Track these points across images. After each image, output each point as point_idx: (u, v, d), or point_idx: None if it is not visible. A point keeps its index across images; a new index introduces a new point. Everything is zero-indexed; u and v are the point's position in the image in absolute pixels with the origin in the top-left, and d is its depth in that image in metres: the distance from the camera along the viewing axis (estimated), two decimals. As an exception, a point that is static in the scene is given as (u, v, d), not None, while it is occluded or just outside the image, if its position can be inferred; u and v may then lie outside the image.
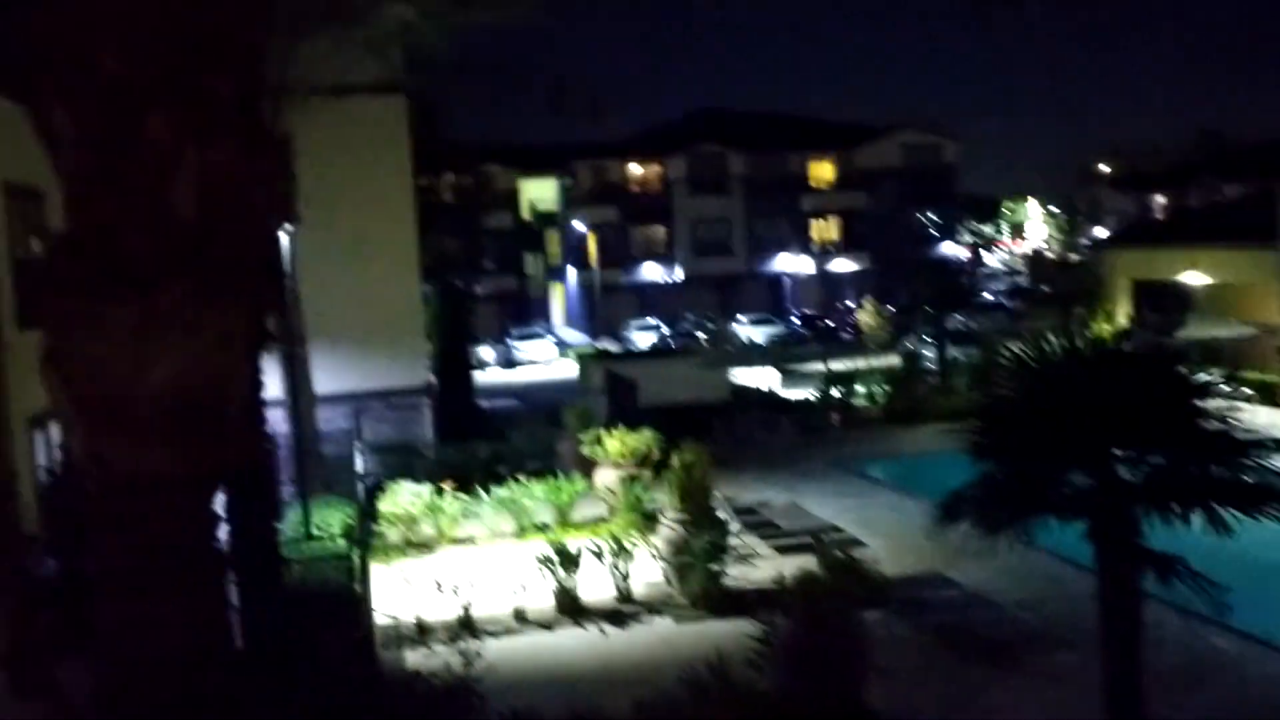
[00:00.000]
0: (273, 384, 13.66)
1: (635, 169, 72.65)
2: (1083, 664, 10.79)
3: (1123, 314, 31.25)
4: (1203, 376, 8.96)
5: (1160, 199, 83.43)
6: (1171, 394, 8.68)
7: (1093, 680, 8.58)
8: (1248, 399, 22.48)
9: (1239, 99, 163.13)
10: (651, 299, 68.82)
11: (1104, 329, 27.39)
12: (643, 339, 57.17)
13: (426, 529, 18.68)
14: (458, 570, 15.81)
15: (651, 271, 71.48)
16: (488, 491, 19.45)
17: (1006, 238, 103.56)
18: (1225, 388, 8.64)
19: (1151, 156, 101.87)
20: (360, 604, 13.10)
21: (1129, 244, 35.34)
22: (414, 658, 12.52)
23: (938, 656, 12.68)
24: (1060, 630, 12.85)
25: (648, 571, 15.72)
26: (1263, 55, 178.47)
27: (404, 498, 18.81)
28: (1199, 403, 8.61)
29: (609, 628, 14.43)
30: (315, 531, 16.00)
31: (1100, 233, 70.78)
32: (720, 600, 14.82)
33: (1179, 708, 10.10)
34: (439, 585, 14.57)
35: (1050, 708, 11.06)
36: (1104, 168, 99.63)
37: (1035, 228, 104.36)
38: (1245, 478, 8.21)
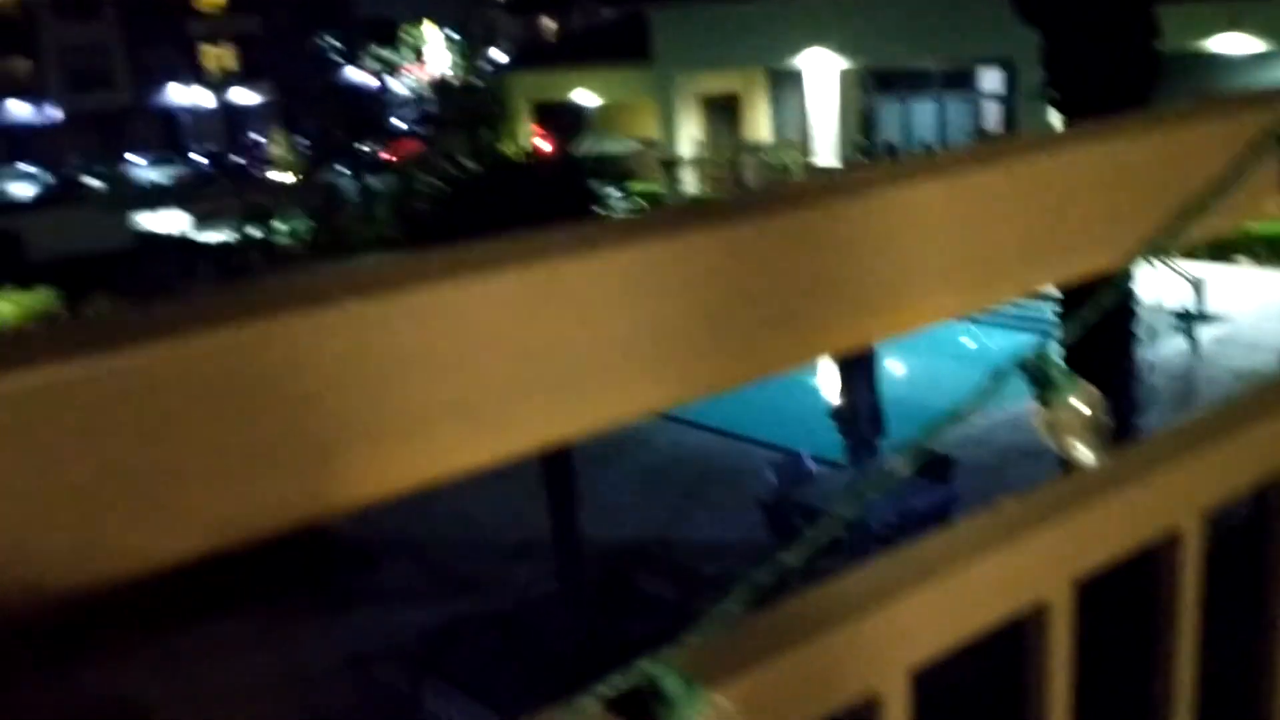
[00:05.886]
0: None
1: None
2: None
3: (525, 134, 32.93)
4: (603, 187, 9.85)
5: (548, 22, 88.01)
6: (578, 203, 9.46)
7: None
8: (639, 207, 24.98)
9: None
10: (25, 143, 60.82)
11: (512, 149, 28.73)
12: (21, 189, 50.74)
13: None
14: None
15: (20, 111, 63.13)
16: None
17: (410, 63, 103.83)
18: (620, 198, 9.57)
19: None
20: None
21: (525, 67, 36.98)
22: None
23: None
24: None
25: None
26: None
27: None
28: (600, 210, 9.50)
29: None
30: None
31: (498, 56, 73.34)
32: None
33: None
34: None
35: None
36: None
37: (436, 53, 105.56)
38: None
